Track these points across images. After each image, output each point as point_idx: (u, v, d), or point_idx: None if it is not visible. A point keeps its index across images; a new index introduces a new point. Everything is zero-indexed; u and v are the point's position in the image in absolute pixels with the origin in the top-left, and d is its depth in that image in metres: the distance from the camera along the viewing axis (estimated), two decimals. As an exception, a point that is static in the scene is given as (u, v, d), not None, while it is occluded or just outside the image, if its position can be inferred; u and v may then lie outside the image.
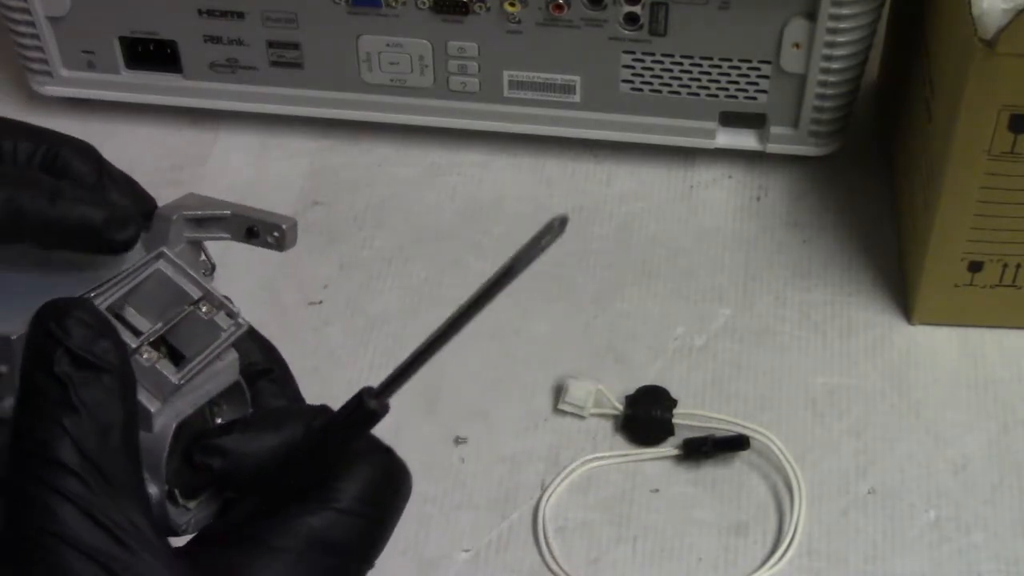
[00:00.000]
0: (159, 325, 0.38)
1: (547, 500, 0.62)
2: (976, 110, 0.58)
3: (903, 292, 0.69)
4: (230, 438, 0.39)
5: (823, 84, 0.70)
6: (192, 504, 0.39)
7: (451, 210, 0.74)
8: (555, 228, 0.33)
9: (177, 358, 0.39)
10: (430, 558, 0.60)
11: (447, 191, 0.75)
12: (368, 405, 0.36)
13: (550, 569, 0.60)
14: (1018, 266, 0.65)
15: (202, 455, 0.38)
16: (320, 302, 0.70)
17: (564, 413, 0.65)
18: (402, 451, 0.39)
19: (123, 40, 0.75)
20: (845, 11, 0.67)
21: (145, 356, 0.37)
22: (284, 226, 0.41)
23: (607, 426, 0.65)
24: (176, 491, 0.39)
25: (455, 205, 0.75)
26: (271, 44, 0.74)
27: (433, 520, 0.61)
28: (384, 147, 0.77)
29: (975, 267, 0.65)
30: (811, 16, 0.68)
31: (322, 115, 0.77)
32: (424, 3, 0.70)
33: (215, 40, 0.74)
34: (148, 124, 0.79)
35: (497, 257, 0.72)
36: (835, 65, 0.70)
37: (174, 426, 0.37)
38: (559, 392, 0.65)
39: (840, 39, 0.68)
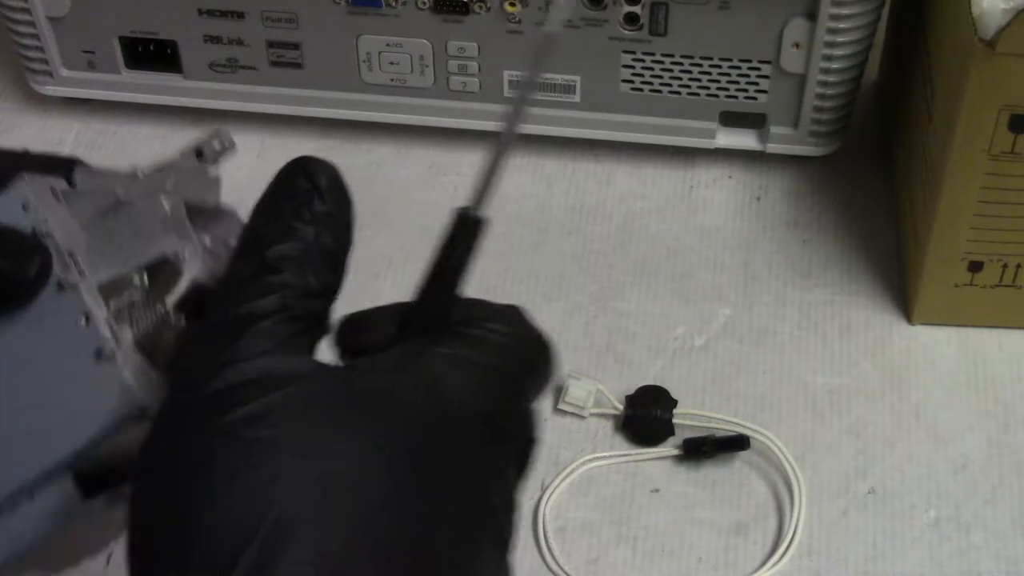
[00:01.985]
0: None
1: (547, 500, 0.62)
2: (976, 110, 0.58)
3: (903, 292, 0.69)
4: (368, 311, 0.40)
5: (823, 84, 0.70)
6: None
7: (451, 210, 0.74)
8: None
9: None
10: (430, 558, 0.60)
11: (447, 191, 0.75)
12: (471, 215, 0.39)
13: (550, 569, 0.60)
14: (1018, 266, 0.64)
15: (348, 327, 0.39)
16: (320, 302, 0.70)
17: (564, 413, 0.65)
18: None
19: (123, 40, 0.75)
20: (845, 11, 0.67)
21: None
22: (219, 130, 0.45)
23: (607, 426, 0.64)
24: None
25: (455, 205, 0.74)
26: (271, 44, 0.74)
27: (433, 520, 0.61)
28: (384, 147, 0.77)
29: (975, 267, 0.65)
30: (811, 16, 0.68)
31: (322, 115, 0.77)
32: (424, 3, 0.70)
33: (215, 40, 0.74)
34: (148, 124, 0.79)
35: (497, 257, 0.72)
36: (835, 65, 0.70)
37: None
38: (559, 392, 0.65)
39: (840, 39, 0.68)
